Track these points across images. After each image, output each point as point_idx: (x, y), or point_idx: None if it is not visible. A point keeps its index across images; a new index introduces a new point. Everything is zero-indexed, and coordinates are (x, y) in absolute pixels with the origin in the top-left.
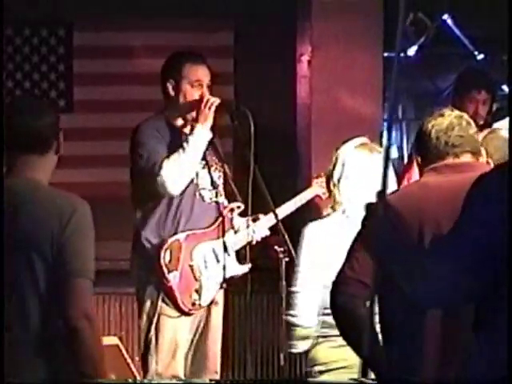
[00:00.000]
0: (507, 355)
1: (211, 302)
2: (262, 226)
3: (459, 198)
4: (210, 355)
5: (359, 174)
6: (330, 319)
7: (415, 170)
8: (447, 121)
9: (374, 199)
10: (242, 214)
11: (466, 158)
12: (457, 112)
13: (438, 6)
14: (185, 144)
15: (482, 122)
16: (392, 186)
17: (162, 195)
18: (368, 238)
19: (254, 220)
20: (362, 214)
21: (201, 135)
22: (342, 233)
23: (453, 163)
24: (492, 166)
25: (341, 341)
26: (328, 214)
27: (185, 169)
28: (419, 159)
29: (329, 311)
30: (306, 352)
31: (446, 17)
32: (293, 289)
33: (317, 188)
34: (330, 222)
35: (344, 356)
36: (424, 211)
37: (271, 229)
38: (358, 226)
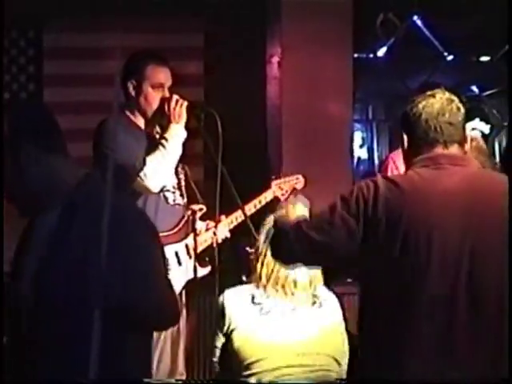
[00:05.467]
0: (507, 355)
1: None
2: (223, 228)
3: (470, 191)
4: (176, 357)
5: None
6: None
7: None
8: (438, 104)
9: None
10: (206, 215)
11: (454, 148)
12: (448, 94)
13: (407, 7)
14: (164, 142)
15: None
16: None
17: (135, 193)
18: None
19: (216, 222)
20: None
21: (178, 133)
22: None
23: (449, 154)
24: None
25: None
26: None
27: (166, 167)
28: (405, 138)
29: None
30: None
31: (415, 17)
32: None
33: (276, 190)
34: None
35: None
36: (431, 203)
37: (236, 230)
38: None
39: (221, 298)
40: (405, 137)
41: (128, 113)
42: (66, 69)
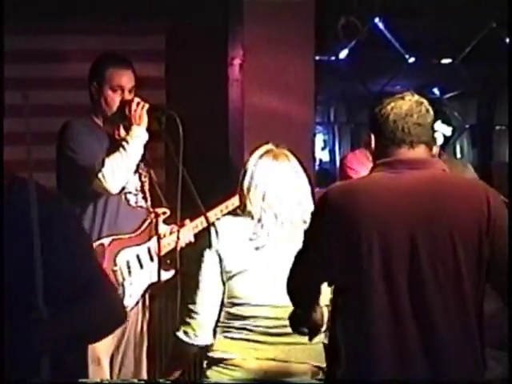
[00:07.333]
0: (507, 355)
1: (136, 307)
2: (187, 232)
3: (419, 194)
4: (137, 361)
5: (267, 182)
6: (233, 310)
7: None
8: (407, 105)
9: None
10: (170, 219)
11: (421, 149)
12: (417, 96)
13: (369, 10)
14: (124, 144)
15: None
16: (306, 194)
17: (96, 194)
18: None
19: (180, 226)
20: (275, 221)
21: (139, 136)
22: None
23: (407, 159)
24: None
25: (239, 334)
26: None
27: (125, 169)
28: (373, 139)
29: (234, 301)
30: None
31: (377, 20)
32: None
33: None
34: (241, 226)
35: (239, 349)
36: (381, 206)
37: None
38: (273, 235)
39: (214, 235)
40: (373, 137)
41: (92, 115)
42: (25, 71)
